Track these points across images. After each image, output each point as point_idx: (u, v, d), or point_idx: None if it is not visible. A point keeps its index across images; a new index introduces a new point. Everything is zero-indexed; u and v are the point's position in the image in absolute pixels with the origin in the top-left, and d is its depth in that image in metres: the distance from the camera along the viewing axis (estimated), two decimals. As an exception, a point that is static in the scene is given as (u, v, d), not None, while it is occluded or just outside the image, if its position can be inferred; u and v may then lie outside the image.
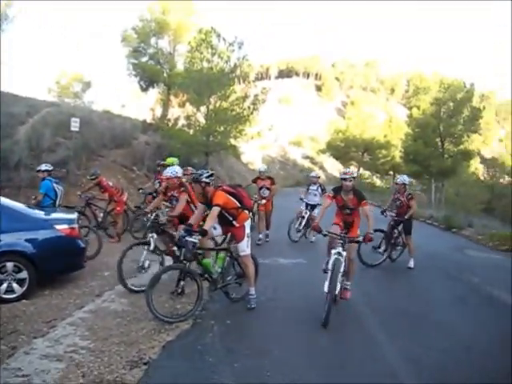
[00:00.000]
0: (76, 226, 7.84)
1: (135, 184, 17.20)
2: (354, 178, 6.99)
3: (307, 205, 12.45)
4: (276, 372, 4.65)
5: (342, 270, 6.20)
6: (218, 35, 22.60)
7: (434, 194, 35.74)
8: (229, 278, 6.85)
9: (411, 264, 10.08)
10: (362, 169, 55.89)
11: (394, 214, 10.29)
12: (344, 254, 6.34)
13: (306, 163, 78.18)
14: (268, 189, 12.13)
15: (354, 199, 7.01)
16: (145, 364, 4.70)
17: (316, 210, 12.28)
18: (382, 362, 5.05)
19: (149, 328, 5.67)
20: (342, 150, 54.22)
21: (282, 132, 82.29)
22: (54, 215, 7.95)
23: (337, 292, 6.08)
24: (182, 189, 7.60)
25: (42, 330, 5.47)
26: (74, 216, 8.12)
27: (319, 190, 12.61)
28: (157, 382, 4.42)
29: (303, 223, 12.41)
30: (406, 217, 9.99)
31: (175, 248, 7.52)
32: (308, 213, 12.36)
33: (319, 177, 13.75)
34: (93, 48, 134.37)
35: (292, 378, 4.55)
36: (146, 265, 7.40)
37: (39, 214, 7.62)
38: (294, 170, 70.35)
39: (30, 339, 5.16)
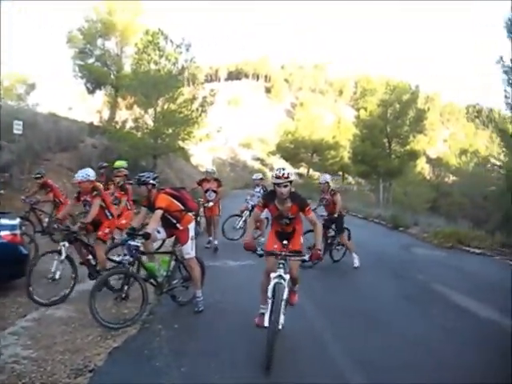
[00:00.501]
0: (18, 232, 7.62)
1: (82, 188, 16.80)
2: (290, 182, 5.30)
3: (252, 207, 12.22)
4: (224, 374, 4.64)
5: (285, 296, 5.04)
6: (166, 37, 22.53)
7: (381, 194, 36.53)
8: (175, 282, 6.79)
9: (356, 263, 10.20)
10: (311, 170, 56.56)
11: (324, 214, 10.41)
12: (287, 277, 5.19)
13: (256, 165, 78.54)
14: (214, 191, 11.66)
15: (294, 207, 5.51)
16: (90, 371, 4.63)
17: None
18: (330, 363, 5.11)
19: (95, 335, 5.58)
20: (291, 151, 54.67)
21: (231, 134, 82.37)
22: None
23: (280, 326, 4.89)
24: (95, 193, 7.22)
25: (-19, 340, 5.29)
26: (16, 222, 7.86)
27: (261, 192, 12.39)
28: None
29: (241, 222, 12.44)
30: (335, 215, 10.14)
31: (90, 257, 7.33)
32: (247, 213, 12.34)
33: (262, 178, 13.67)
34: (37, 49, 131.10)
35: (240, 380, 4.55)
36: (58, 276, 6.87)
37: (-21, 220, 7.35)
38: (243, 171, 70.49)
39: (-31, 351, 4.97)
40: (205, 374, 4.63)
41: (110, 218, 7.49)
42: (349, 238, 10.59)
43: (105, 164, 11.54)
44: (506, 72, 16.39)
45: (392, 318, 6.90)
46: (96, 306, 5.67)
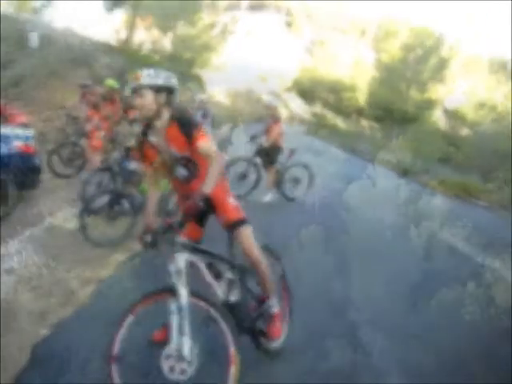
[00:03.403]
0: (32, 143, 7.60)
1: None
2: (156, 89, 3.07)
3: None
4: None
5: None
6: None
7: (394, 139, 36.30)
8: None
9: (268, 198, 9.22)
10: (325, 109, 56.00)
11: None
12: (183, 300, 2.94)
13: (271, 99, 77.47)
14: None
15: (180, 137, 3.11)
16: (96, 281, 4.78)
17: None
18: (332, 294, 5.22)
19: (102, 248, 5.70)
20: (307, 88, 53.92)
21: (248, 66, 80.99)
22: (9, 131, 7.62)
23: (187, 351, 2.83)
24: None
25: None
26: (31, 133, 7.80)
27: (200, 117, 10.04)
28: (107, 297, 4.50)
29: None
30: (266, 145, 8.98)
31: None
32: None
33: (203, 101, 11.14)
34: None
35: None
36: None
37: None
38: (257, 105, 69.70)
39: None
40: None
41: None
42: None
43: (86, 83, 10.45)
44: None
45: (392, 257, 7.02)
46: (86, 224, 5.70)
